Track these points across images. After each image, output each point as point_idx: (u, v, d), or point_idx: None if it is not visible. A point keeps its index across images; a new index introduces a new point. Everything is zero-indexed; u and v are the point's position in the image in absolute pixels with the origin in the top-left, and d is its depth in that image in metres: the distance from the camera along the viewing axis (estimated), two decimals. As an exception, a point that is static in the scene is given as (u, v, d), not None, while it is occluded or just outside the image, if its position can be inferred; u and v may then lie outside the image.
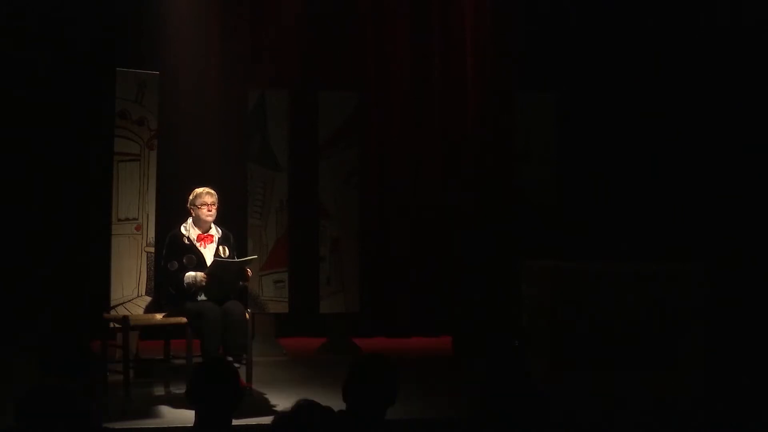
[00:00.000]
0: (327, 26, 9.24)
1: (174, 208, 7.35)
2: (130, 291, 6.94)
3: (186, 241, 6.49)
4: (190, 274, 6.37)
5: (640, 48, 9.04)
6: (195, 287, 6.36)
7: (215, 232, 6.59)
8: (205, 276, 6.34)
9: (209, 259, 6.47)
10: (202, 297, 6.37)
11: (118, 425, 5.24)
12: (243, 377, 5.97)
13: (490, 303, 8.34)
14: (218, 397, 3.47)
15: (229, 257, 6.53)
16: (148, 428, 5.45)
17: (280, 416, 3.10)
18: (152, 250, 7.02)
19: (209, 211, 6.52)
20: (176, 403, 5.95)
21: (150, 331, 7.05)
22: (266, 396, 6.28)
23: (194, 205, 6.53)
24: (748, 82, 8.36)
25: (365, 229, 8.89)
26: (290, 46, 9.15)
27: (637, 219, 9.06)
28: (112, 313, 6.83)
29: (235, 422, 3.55)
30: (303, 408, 3.06)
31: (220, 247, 6.54)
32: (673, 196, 8.72)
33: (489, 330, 7.46)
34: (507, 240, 8.69)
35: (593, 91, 9.24)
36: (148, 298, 7.08)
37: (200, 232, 6.55)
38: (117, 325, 6.57)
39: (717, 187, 8.47)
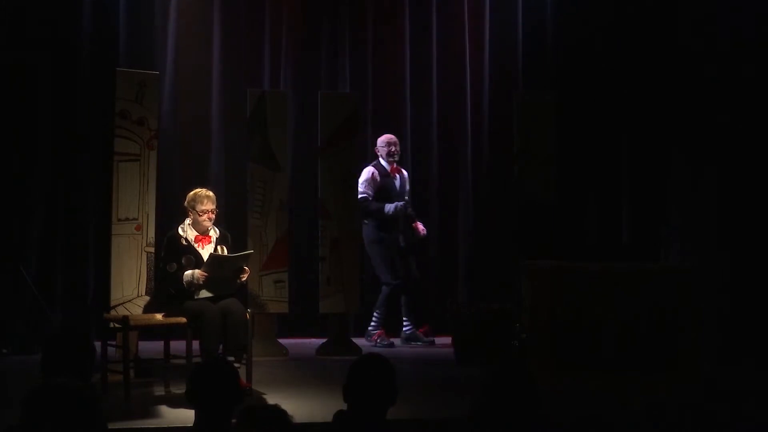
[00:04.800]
0: (327, 26, 9.24)
1: (174, 208, 7.35)
2: (130, 291, 6.93)
3: (184, 242, 6.49)
4: (188, 272, 6.37)
5: (640, 48, 9.04)
6: (194, 285, 6.36)
7: (213, 232, 6.59)
8: (203, 272, 6.34)
9: (207, 260, 6.46)
10: (202, 294, 6.35)
11: (118, 425, 5.23)
12: (243, 377, 5.97)
13: (490, 303, 8.34)
14: (218, 397, 3.47)
15: (227, 257, 6.53)
16: (148, 428, 5.44)
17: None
18: (152, 250, 7.01)
19: (209, 218, 6.52)
20: (176, 403, 5.93)
21: (150, 331, 7.05)
22: (266, 396, 6.27)
23: (194, 209, 6.52)
24: (748, 83, 8.34)
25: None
26: (290, 46, 9.15)
27: (637, 219, 9.06)
28: (112, 313, 6.82)
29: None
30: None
31: (218, 247, 6.53)
32: (672, 196, 8.71)
33: (489, 330, 7.45)
34: (507, 240, 8.69)
35: (593, 91, 9.25)
36: (148, 298, 7.07)
37: (198, 233, 6.54)
38: (117, 325, 6.57)
39: (717, 187, 8.46)
